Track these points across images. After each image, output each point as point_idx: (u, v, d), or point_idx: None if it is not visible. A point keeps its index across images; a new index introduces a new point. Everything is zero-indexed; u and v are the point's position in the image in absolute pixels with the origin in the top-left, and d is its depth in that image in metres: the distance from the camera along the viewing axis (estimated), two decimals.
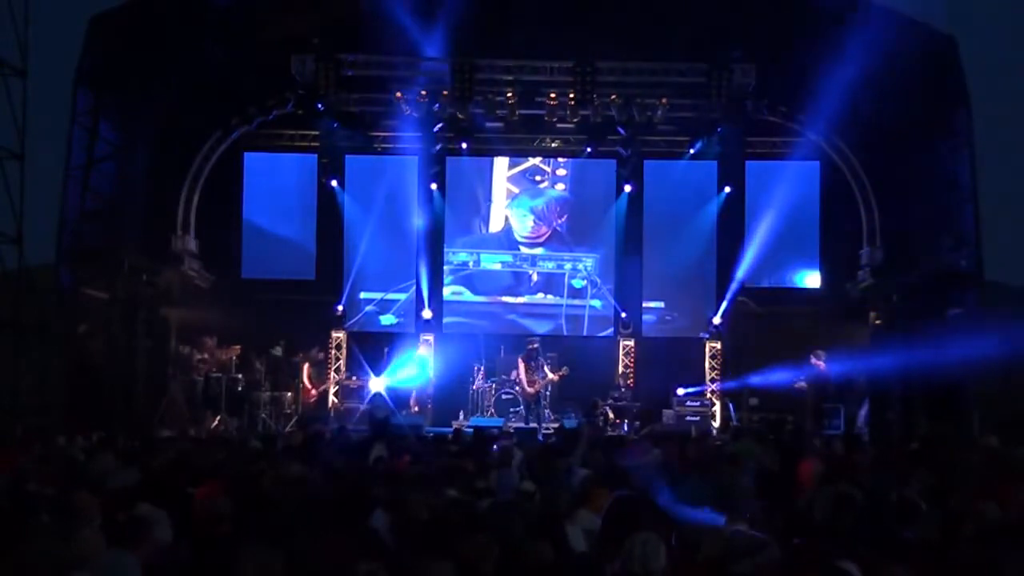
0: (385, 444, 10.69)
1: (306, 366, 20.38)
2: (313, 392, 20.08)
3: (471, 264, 21.91)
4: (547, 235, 21.97)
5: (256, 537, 5.47)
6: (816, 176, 21.54)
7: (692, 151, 21.21)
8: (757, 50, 19.16)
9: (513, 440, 11.78)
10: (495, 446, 10.86)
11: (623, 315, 21.40)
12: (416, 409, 19.96)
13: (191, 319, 20.31)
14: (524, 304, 21.81)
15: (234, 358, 19.82)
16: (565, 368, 19.31)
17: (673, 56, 19.62)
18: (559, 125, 20.93)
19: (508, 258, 21.94)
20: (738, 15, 19.08)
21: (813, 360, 19.48)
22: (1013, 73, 30.68)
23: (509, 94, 19.92)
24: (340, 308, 21.19)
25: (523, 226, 21.94)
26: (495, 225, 22.00)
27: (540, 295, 21.81)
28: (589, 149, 21.45)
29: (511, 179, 21.99)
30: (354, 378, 20.36)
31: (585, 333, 21.70)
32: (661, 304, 21.73)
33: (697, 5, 18.59)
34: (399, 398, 20.23)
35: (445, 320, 21.61)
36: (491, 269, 21.89)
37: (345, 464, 9.41)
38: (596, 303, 21.72)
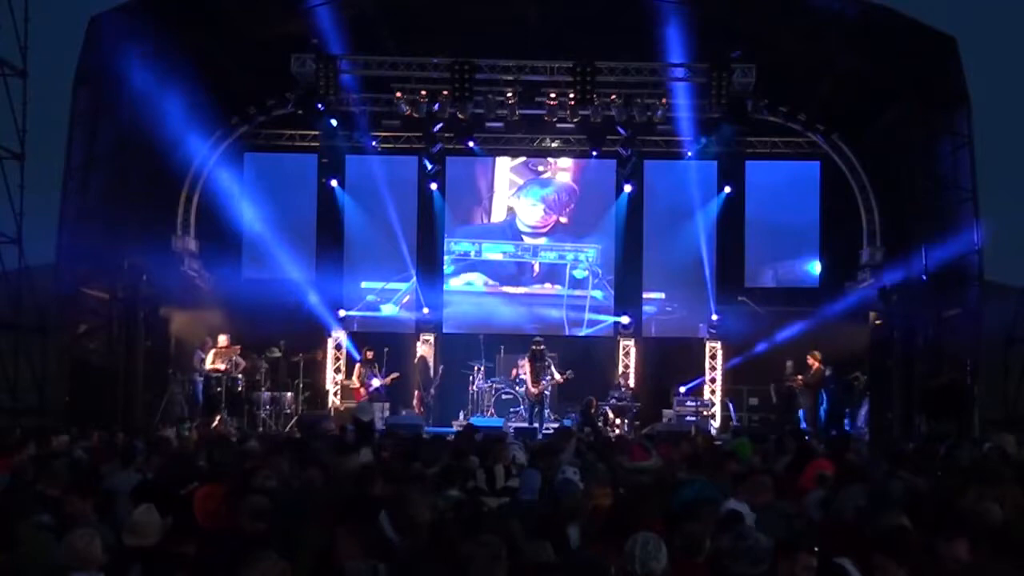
0: (371, 449, 10.65)
1: (357, 367, 20.36)
2: (363, 392, 19.95)
3: (472, 254, 21.96)
4: (553, 224, 22.01)
5: (259, 537, 5.47)
6: (816, 176, 21.54)
7: (692, 151, 21.20)
8: (757, 50, 19.16)
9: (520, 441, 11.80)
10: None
11: (624, 321, 21.42)
12: (421, 409, 19.93)
13: (191, 319, 20.30)
14: (526, 294, 21.85)
15: (234, 357, 19.77)
16: (570, 371, 19.33)
17: (673, 56, 19.62)
18: (559, 125, 20.92)
19: (510, 248, 22.01)
20: (738, 15, 19.08)
21: (809, 360, 19.49)
22: (1013, 73, 30.70)
23: (509, 94, 19.92)
24: (341, 312, 21.18)
25: (532, 215, 21.98)
26: (497, 215, 22.05)
27: (541, 285, 21.82)
28: (595, 152, 21.44)
29: (514, 169, 22.04)
30: (354, 378, 20.35)
31: (586, 323, 21.72)
32: (662, 295, 21.77)
33: (697, 5, 18.58)
34: (402, 398, 20.24)
35: (447, 311, 21.63)
36: (493, 259, 21.92)
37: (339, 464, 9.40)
38: (597, 293, 21.77)
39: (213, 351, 19.63)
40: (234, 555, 5.16)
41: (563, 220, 22.01)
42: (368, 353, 20.31)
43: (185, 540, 6.05)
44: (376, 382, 19.89)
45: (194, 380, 19.38)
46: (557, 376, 19.25)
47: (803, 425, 19.06)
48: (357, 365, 20.50)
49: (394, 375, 20.08)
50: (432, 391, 20.51)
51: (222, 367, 19.40)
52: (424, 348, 20.69)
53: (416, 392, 20.43)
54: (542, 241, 22.02)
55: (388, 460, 9.71)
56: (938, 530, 5.40)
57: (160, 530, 6.20)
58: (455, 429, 17.23)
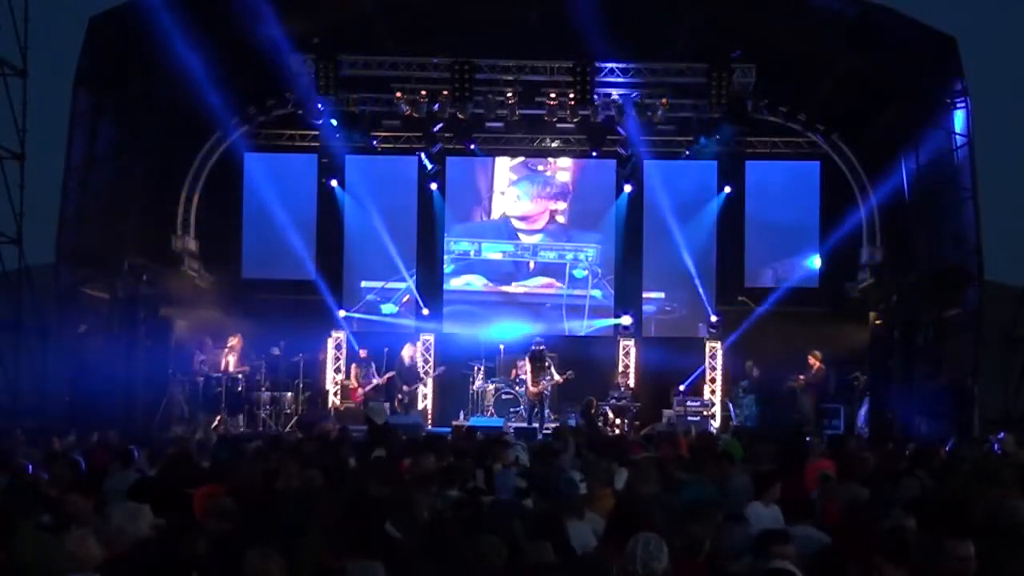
0: (385, 449, 10.64)
1: (353, 367, 20.40)
2: (360, 391, 19.95)
3: (472, 253, 21.95)
4: (544, 219, 21.94)
5: (261, 537, 5.47)
6: (816, 176, 21.52)
7: (692, 151, 21.20)
8: (757, 50, 19.16)
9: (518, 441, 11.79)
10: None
11: (625, 322, 21.42)
12: (399, 410, 19.86)
13: (191, 319, 20.30)
14: (525, 294, 21.84)
15: (229, 357, 19.79)
16: (570, 372, 19.33)
17: (673, 56, 19.64)
18: (559, 125, 20.93)
19: (510, 247, 21.99)
20: (738, 15, 19.08)
21: (810, 360, 19.50)
22: (1013, 73, 30.72)
23: (509, 94, 19.93)
24: (341, 312, 21.17)
25: (522, 206, 21.87)
26: (497, 215, 22.04)
27: (540, 279, 21.77)
28: (595, 152, 21.44)
29: (514, 169, 22.01)
30: (352, 378, 20.35)
31: (586, 323, 21.69)
32: (662, 295, 21.75)
33: (697, 5, 18.58)
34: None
35: (446, 311, 21.62)
36: (492, 258, 21.93)
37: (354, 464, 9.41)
38: (597, 293, 21.76)
39: (232, 354, 19.62)
40: (233, 554, 5.16)
41: (559, 219, 21.96)
42: (362, 352, 20.34)
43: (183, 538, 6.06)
44: (374, 380, 19.91)
45: (194, 380, 19.37)
46: (557, 376, 19.25)
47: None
48: (353, 365, 20.52)
49: (390, 374, 20.08)
50: (408, 388, 20.26)
51: (246, 368, 19.50)
52: (407, 348, 20.60)
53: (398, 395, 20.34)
54: (539, 239, 21.98)
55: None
56: (942, 530, 5.40)
57: (152, 529, 6.21)
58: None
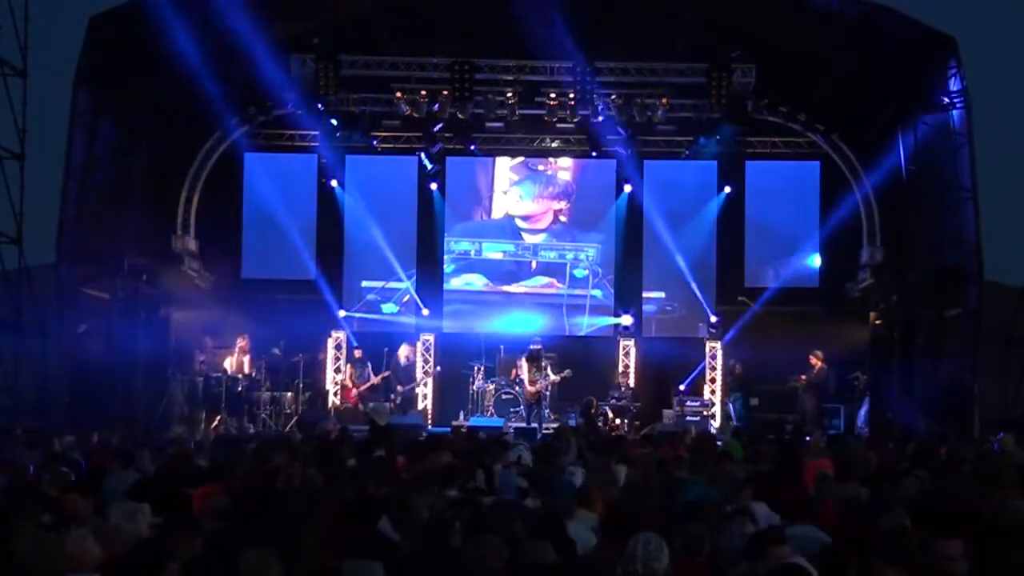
0: (385, 449, 10.65)
1: (348, 366, 20.42)
2: (354, 391, 19.96)
3: (473, 253, 21.93)
4: (547, 219, 21.93)
5: (259, 537, 5.47)
6: (816, 176, 21.52)
7: (692, 151, 21.20)
8: (757, 50, 19.16)
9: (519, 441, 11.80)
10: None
11: (625, 322, 21.41)
12: (394, 409, 19.84)
13: (191, 319, 20.30)
14: (526, 293, 21.82)
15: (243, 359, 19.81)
16: (568, 371, 19.34)
17: (673, 56, 19.64)
18: (559, 125, 20.93)
19: (511, 247, 21.97)
20: (738, 15, 19.08)
21: (812, 360, 19.50)
22: (1013, 73, 30.75)
23: (509, 94, 19.93)
24: (341, 312, 21.16)
25: (526, 206, 21.85)
26: (497, 215, 22.03)
27: (540, 279, 21.77)
28: (595, 152, 21.44)
29: (514, 169, 21.99)
30: (347, 378, 20.35)
31: (586, 323, 21.69)
32: (662, 295, 21.74)
33: (697, 5, 18.59)
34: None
35: (447, 311, 21.62)
36: (493, 258, 21.92)
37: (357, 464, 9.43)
38: (597, 292, 21.75)
39: (243, 355, 19.61)
40: (231, 553, 5.17)
41: (562, 218, 21.95)
42: (357, 352, 20.35)
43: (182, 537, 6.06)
44: (369, 380, 19.91)
45: (194, 380, 19.36)
46: (553, 376, 19.25)
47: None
48: (348, 364, 20.53)
49: (385, 373, 20.08)
50: (403, 388, 20.23)
51: (253, 373, 19.52)
52: (403, 348, 20.59)
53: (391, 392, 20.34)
54: (541, 239, 21.98)
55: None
56: (937, 529, 5.41)
57: (151, 529, 6.22)
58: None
